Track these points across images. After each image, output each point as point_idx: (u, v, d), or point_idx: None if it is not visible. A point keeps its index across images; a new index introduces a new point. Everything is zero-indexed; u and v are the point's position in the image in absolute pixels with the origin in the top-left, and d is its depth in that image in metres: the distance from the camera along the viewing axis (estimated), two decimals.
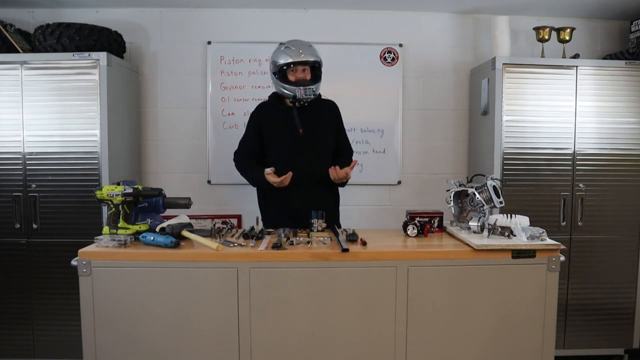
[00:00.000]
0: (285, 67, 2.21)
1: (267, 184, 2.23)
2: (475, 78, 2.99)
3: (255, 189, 2.44)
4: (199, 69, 3.01)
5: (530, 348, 1.83)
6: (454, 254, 1.81)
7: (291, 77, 2.23)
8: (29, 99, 2.53)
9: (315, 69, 2.27)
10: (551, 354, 1.84)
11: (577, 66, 2.70)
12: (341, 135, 2.43)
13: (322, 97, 2.39)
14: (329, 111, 2.38)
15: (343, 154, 2.42)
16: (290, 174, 2.16)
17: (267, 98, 2.44)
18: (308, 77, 2.24)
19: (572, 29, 2.87)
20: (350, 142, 2.49)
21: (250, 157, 2.36)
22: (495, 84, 2.67)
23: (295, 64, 2.20)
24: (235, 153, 2.41)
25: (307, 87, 2.20)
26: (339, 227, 2.32)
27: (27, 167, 2.56)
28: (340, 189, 2.43)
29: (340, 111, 2.43)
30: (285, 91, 2.24)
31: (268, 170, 2.21)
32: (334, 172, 2.22)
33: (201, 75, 3.02)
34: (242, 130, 2.98)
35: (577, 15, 3.04)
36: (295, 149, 2.26)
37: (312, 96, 2.23)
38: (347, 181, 2.32)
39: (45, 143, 2.55)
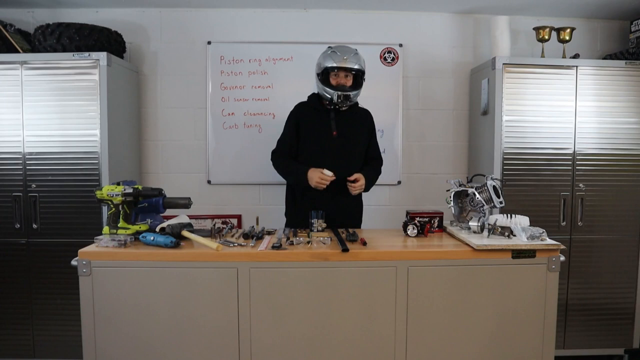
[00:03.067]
0: (328, 70, 2.28)
1: (306, 182, 2.25)
2: (475, 78, 2.99)
3: (284, 186, 2.52)
4: (199, 69, 3.01)
5: (530, 348, 1.83)
6: (454, 254, 1.81)
7: (333, 81, 2.29)
8: (29, 99, 2.53)
9: (358, 76, 2.32)
10: (551, 354, 1.84)
11: (577, 66, 2.70)
12: (372, 143, 2.48)
13: (360, 105, 2.47)
14: (363, 118, 2.44)
15: (372, 161, 2.47)
16: (332, 176, 2.20)
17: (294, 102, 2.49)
18: (349, 83, 2.30)
19: (572, 29, 2.87)
20: None
21: (289, 155, 2.39)
22: (495, 84, 2.67)
23: (339, 69, 2.26)
24: (274, 152, 2.43)
25: (345, 93, 2.26)
26: (359, 225, 2.44)
27: (27, 167, 2.56)
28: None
29: (370, 112, 2.48)
30: (325, 93, 2.30)
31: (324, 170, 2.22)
32: (352, 188, 2.28)
33: (201, 75, 3.02)
34: (241, 130, 3.01)
35: (577, 15, 3.04)
36: (328, 150, 2.32)
37: (348, 103, 2.30)
38: (366, 187, 2.34)
39: (45, 143, 2.55)
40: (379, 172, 2.47)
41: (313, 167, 2.26)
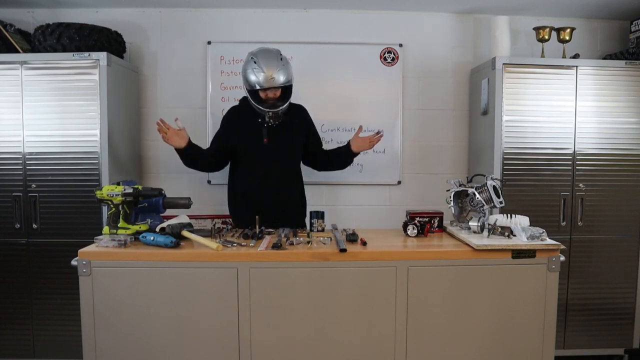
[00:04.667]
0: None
1: (181, 155, 2.29)
2: (475, 78, 2.99)
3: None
4: (199, 69, 3.01)
5: (530, 348, 1.83)
6: (453, 254, 1.81)
7: (261, 95, 2.25)
8: (29, 99, 2.53)
9: (286, 88, 2.27)
10: (551, 354, 1.84)
11: (577, 66, 2.70)
12: (313, 138, 2.51)
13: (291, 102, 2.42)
14: (297, 118, 2.42)
15: (322, 152, 2.54)
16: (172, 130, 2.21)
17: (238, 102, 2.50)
18: (277, 95, 2.26)
19: (572, 29, 2.87)
20: None
21: (215, 153, 2.41)
22: (495, 84, 2.67)
23: (266, 89, 2.22)
24: (208, 149, 2.46)
25: (277, 112, 2.24)
26: (304, 226, 2.43)
27: (27, 167, 2.55)
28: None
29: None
30: (256, 109, 2.28)
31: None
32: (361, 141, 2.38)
33: (201, 75, 3.02)
34: None
35: (577, 15, 3.04)
36: (260, 157, 2.34)
37: (280, 120, 2.27)
38: (348, 162, 2.50)
39: (45, 143, 2.55)
40: None
41: (246, 173, 2.36)
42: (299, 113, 2.46)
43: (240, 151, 2.38)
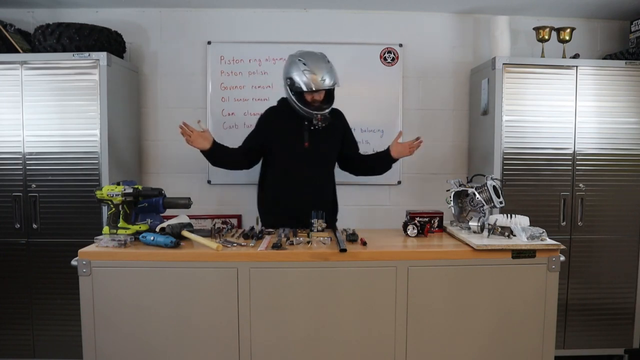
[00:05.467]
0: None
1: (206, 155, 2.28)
2: (475, 78, 2.99)
3: (255, 190, 2.50)
4: (199, 69, 3.01)
5: (530, 348, 1.83)
6: (454, 254, 1.81)
7: (307, 98, 2.24)
8: (29, 99, 2.53)
9: (330, 90, 2.28)
10: (551, 354, 1.84)
11: (577, 66, 2.70)
12: (351, 142, 2.50)
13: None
14: (336, 122, 2.40)
15: (360, 156, 2.53)
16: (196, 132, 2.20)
17: (275, 102, 2.46)
18: (322, 97, 2.26)
19: (572, 29, 2.87)
20: None
21: (247, 153, 2.39)
22: (495, 84, 2.67)
23: (314, 91, 2.21)
24: (238, 148, 2.41)
25: (324, 115, 2.22)
26: (335, 228, 2.38)
27: (27, 167, 2.55)
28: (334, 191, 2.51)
29: (341, 111, 2.46)
30: (301, 111, 2.25)
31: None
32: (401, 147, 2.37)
33: (201, 75, 3.01)
34: (242, 130, 3.00)
35: (577, 15, 3.04)
36: (301, 158, 2.32)
37: (327, 123, 2.25)
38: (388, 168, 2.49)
39: (45, 143, 2.55)
40: None
41: (284, 176, 2.33)
42: (338, 117, 2.44)
43: (278, 153, 2.35)
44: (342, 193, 2.54)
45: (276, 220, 2.24)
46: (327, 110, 2.24)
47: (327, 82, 2.20)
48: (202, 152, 2.26)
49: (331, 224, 2.33)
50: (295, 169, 2.32)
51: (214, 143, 2.26)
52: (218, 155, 2.30)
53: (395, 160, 2.42)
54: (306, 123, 2.28)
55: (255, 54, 2.99)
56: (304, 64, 2.21)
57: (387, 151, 2.41)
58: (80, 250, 1.76)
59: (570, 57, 2.82)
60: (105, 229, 1.91)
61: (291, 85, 2.24)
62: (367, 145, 3.05)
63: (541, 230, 1.85)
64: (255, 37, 3.00)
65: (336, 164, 2.53)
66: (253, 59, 2.99)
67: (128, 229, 1.88)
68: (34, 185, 2.56)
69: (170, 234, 1.82)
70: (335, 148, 2.44)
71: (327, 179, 2.45)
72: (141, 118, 3.02)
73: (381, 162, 2.46)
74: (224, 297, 1.74)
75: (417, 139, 2.40)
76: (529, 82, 2.68)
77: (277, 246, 1.79)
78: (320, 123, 2.23)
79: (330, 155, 2.43)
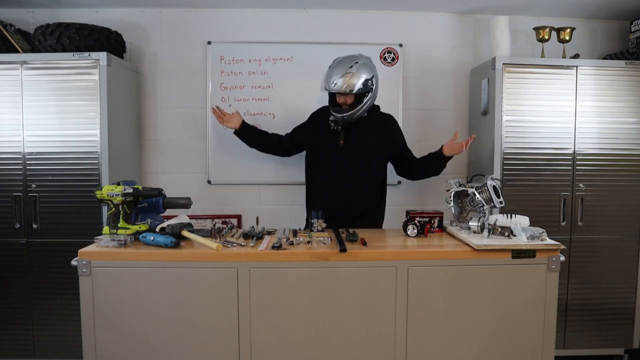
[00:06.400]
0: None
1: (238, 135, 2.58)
2: (475, 78, 2.98)
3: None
4: (199, 69, 3.01)
5: (530, 348, 1.83)
6: (454, 254, 1.81)
7: (337, 99, 2.34)
8: (29, 99, 2.53)
9: (357, 95, 2.30)
10: (551, 354, 1.84)
11: (577, 66, 2.70)
12: (403, 148, 2.53)
13: (381, 110, 2.52)
14: (382, 126, 2.46)
15: (415, 159, 2.54)
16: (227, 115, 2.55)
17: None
18: (349, 101, 2.31)
19: (572, 29, 2.87)
20: None
21: (282, 140, 2.60)
22: (495, 84, 2.67)
23: (333, 93, 2.32)
24: (273, 134, 2.64)
25: (341, 115, 2.30)
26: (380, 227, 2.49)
27: (27, 167, 2.55)
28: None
29: (392, 116, 2.54)
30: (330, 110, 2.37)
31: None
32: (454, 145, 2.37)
33: (201, 75, 3.01)
34: None
35: (577, 15, 3.04)
36: (334, 159, 2.38)
37: (352, 120, 2.32)
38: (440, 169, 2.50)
39: (45, 143, 2.55)
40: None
41: (322, 174, 2.43)
42: (385, 121, 2.49)
43: (314, 150, 2.48)
44: None
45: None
46: (344, 114, 2.29)
47: (337, 86, 2.27)
48: (235, 132, 2.56)
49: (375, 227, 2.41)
50: (332, 168, 2.38)
51: (244, 124, 2.53)
52: (249, 136, 2.57)
53: (449, 158, 2.43)
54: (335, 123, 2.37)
55: (255, 54, 2.99)
56: (330, 65, 2.34)
57: (440, 151, 2.43)
58: (80, 250, 1.76)
59: (570, 57, 2.82)
60: (105, 229, 1.91)
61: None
62: None
63: (541, 230, 1.85)
64: (255, 37, 3.00)
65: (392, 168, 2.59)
66: (253, 59, 2.99)
67: (128, 229, 1.88)
68: (34, 185, 2.56)
69: (170, 234, 1.82)
70: (377, 149, 2.42)
71: (369, 181, 2.44)
72: (141, 118, 3.02)
73: (437, 162, 2.47)
74: (224, 297, 1.74)
75: (471, 137, 2.44)
76: (529, 82, 2.68)
77: (277, 246, 1.80)
78: (332, 125, 2.35)
79: (369, 154, 2.41)
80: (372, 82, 2.32)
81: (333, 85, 2.26)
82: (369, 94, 2.32)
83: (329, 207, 2.25)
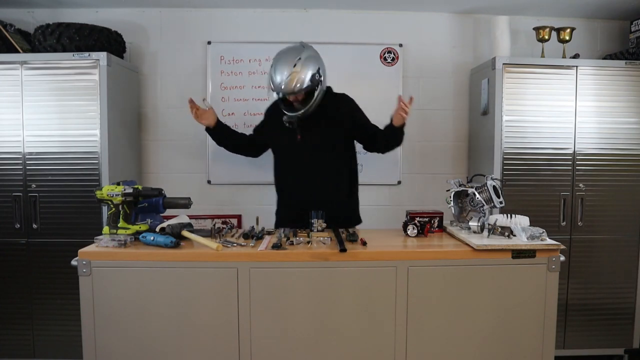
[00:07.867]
0: None
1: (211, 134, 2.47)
2: (475, 78, 2.99)
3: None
4: (199, 69, 3.01)
5: (530, 348, 1.83)
6: (453, 254, 1.81)
7: (287, 96, 2.18)
8: (29, 99, 2.53)
9: (308, 91, 2.16)
10: (551, 354, 1.84)
11: (577, 66, 2.70)
12: (363, 124, 2.36)
13: (334, 91, 2.35)
14: (337, 109, 2.31)
15: (377, 133, 2.36)
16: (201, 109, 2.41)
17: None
18: (300, 98, 2.18)
19: (572, 29, 2.87)
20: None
21: (251, 141, 2.52)
22: (495, 84, 2.67)
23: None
24: (244, 134, 2.56)
25: (295, 114, 2.18)
26: (359, 221, 2.43)
27: (27, 167, 2.55)
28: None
29: (346, 95, 2.38)
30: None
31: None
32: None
33: (201, 75, 3.01)
34: (242, 130, 2.97)
35: (577, 15, 3.04)
36: (294, 155, 2.32)
37: (295, 124, 2.22)
38: (399, 139, 2.32)
39: (45, 143, 2.55)
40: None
41: (284, 170, 2.37)
42: (340, 103, 2.33)
43: (275, 146, 2.41)
44: None
45: (289, 213, 2.29)
46: (297, 113, 2.17)
47: (284, 88, 2.13)
48: (207, 130, 2.44)
49: (348, 223, 2.26)
50: (294, 164, 2.32)
51: (218, 123, 2.41)
52: (222, 135, 2.45)
53: (398, 127, 2.24)
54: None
55: (255, 54, 2.99)
56: (272, 65, 2.19)
57: (390, 123, 2.27)
58: (80, 250, 1.76)
59: (570, 57, 2.82)
60: (105, 229, 1.91)
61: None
62: None
63: (541, 230, 1.85)
64: (255, 37, 3.00)
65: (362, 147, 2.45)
66: (253, 59, 2.99)
67: (128, 229, 1.88)
68: (34, 185, 2.56)
69: (170, 234, 1.82)
70: (337, 135, 2.30)
71: (335, 173, 2.32)
72: (141, 118, 3.02)
73: (393, 135, 2.30)
74: (224, 297, 1.74)
75: (411, 98, 2.23)
76: (529, 82, 2.68)
77: (277, 246, 1.79)
78: (287, 123, 2.23)
79: (327, 146, 2.29)
80: (319, 74, 2.17)
81: (280, 87, 2.13)
82: (319, 87, 2.19)
83: (299, 204, 2.21)
